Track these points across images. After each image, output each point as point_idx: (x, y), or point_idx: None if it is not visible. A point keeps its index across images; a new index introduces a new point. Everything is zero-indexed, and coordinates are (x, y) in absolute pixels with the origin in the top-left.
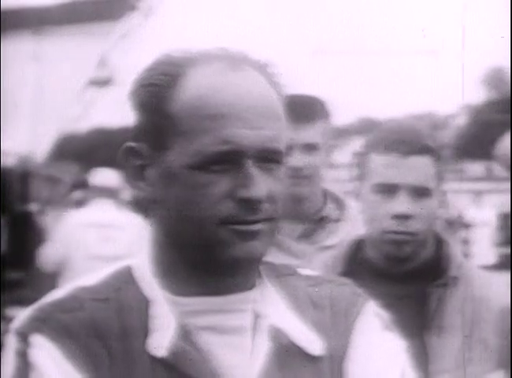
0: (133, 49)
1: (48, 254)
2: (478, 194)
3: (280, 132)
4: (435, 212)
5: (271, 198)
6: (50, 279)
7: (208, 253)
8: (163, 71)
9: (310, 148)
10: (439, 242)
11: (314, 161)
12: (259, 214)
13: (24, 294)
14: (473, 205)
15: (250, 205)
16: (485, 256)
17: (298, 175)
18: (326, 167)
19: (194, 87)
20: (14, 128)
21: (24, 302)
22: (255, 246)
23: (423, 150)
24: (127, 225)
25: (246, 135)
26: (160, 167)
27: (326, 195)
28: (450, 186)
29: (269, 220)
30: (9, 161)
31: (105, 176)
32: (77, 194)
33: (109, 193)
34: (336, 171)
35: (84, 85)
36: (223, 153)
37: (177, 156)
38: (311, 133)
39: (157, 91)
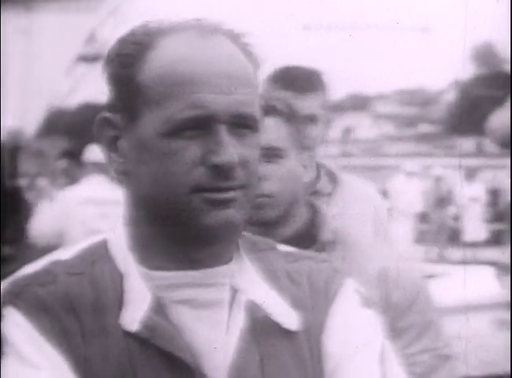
0: (122, 24)
1: (41, 229)
2: (469, 170)
3: (253, 98)
4: (294, 174)
5: (244, 165)
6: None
7: (181, 223)
8: (134, 40)
9: (309, 119)
10: (312, 209)
11: (314, 134)
12: (232, 181)
13: (15, 268)
14: (464, 182)
15: (222, 171)
16: (476, 232)
17: None
18: (323, 140)
19: (164, 55)
20: (3, 103)
21: None
22: (229, 214)
23: (271, 111)
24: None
25: (216, 100)
26: (132, 137)
27: (319, 169)
28: (440, 162)
29: (243, 187)
30: None
31: (99, 152)
32: (61, 164)
33: (104, 168)
34: (326, 146)
35: (74, 61)
36: (193, 119)
37: (148, 124)
38: (310, 104)
39: (127, 61)
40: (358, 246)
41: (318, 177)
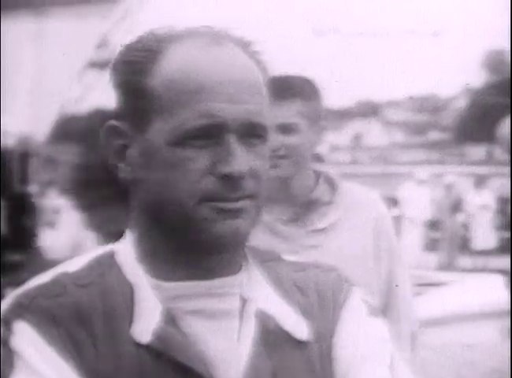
0: (133, 30)
1: (55, 241)
2: (479, 177)
3: (263, 107)
4: None
5: (254, 175)
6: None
7: (189, 232)
8: (143, 47)
9: (285, 128)
10: None
11: (292, 142)
12: (241, 191)
13: (24, 275)
14: (474, 189)
15: (232, 181)
16: (485, 240)
17: (275, 155)
18: (311, 150)
19: (174, 62)
20: (14, 109)
21: (23, 284)
22: (238, 224)
23: None
24: None
25: (227, 109)
26: (140, 146)
27: (318, 177)
28: (450, 169)
29: (252, 197)
30: (9, 142)
31: None
32: None
33: None
34: (335, 153)
35: (84, 66)
36: (203, 128)
37: (156, 133)
38: (287, 113)
39: (136, 68)
40: None
41: (316, 185)
